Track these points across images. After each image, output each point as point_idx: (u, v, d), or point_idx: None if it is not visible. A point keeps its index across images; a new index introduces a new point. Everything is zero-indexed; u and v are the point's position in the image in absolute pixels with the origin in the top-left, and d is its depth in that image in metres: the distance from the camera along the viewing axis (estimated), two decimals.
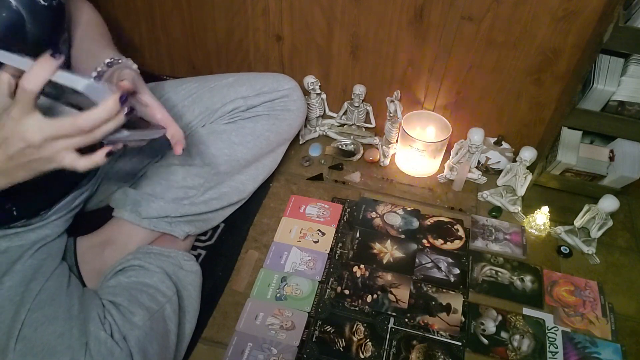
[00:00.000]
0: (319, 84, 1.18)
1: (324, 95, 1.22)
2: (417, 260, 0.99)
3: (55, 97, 0.57)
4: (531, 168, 1.11)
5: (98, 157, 0.56)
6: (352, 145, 1.22)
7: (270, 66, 1.23)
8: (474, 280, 0.97)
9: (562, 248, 1.04)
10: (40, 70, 0.49)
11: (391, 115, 1.12)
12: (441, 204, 1.13)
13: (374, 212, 1.09)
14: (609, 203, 0.99)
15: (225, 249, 1.00)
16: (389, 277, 0.96)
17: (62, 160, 0.54)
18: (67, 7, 0.73)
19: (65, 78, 0.51)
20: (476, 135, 1.08)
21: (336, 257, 1.00)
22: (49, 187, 0.79)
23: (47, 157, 0.53)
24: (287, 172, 1.17)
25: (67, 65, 0.79)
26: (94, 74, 0.71)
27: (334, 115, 1.25)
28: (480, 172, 1.17)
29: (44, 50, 0.66)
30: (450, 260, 1.00)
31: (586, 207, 1.04)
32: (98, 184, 0.93)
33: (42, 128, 0.51)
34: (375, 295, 0.93)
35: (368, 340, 0.87)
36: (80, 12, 0.81)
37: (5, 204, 0.72)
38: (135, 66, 0.74)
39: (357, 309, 0.91)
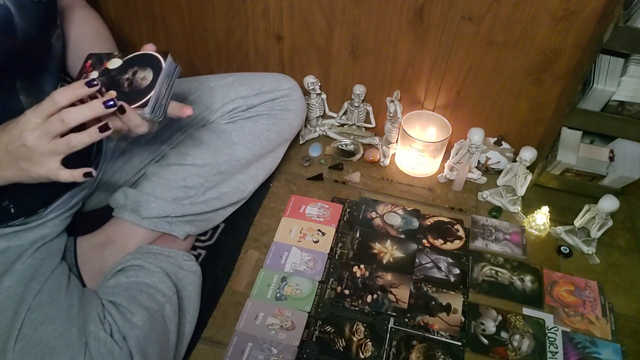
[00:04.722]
0: (319, 84, 1.18)
1: (324, 95, 1.22)
2: (417, 260, 0.99)
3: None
4: (531, 168, 1.11)
5: (77, 173, 0.62)
6: (352, 145, 1.22)
7: (270, 66, 1.23)
8: (474, 280, 0.97)
9: (562, 248, 1.04)
10: (71, 92, 0.58)
11: (391, 115, 1.12)
12: (441, 204, 1.13)
13: (374, 212, 1.09)
14: (609, 203, 0.99)
15: (225, 249, 0.99)
16: (389, 277, 0.96)
17: (47, 167, 0.61)
18: (58, 2, 0.73)
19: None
20: (476, 135, 1.08)
21: (336, 257, 1.00)
22: (47, 184, 0.79)
23: (35, 161, 0.60)
24: (287, 172, 1.17)
25: (62, 63, 0.79)
26: None
27: (334, 115, 1.25)
28: (480, 172, 1.17)
29: (35, 46, 0.68)
30: (450, 260, 1.00)
31: (586, 207, 1.04)
32: (97, 183, 0.93)
33: (35, 128, 0.58)
34: (375, 295, 0.93)
35: (368, 340, 0.87)
36: (72, 12, 0.81)
37: (2, 201, 0.72)
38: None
39: (357, 309, 0.91)
